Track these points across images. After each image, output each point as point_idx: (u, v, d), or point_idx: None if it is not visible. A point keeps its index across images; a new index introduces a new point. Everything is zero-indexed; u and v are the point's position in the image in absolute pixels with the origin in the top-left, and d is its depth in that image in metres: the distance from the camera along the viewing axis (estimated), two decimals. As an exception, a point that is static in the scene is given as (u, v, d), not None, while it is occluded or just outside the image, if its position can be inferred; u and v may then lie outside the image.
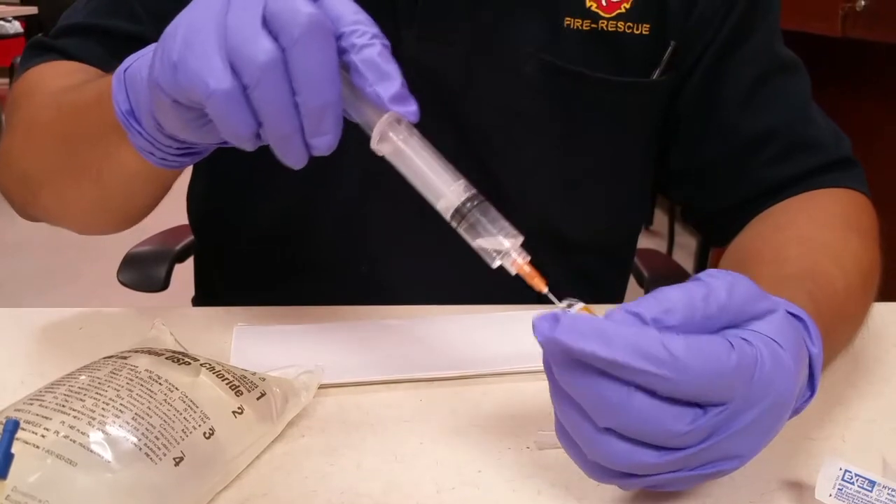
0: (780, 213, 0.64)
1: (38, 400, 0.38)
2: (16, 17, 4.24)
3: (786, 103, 0.66)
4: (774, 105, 0.65)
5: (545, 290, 0.39)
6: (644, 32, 0.63)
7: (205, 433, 0.39)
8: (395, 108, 0.40)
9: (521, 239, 0.40)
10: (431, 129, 0.63)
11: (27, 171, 0.59)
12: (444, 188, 0.41)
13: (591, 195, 0.68)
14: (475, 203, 0.40)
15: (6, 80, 4.45)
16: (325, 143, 0.40)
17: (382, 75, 0.40)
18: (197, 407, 0.40)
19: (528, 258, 0.40)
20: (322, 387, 0.49)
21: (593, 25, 0.63)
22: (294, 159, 0.41)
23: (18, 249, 2.70)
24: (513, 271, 0.40)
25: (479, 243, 0.40)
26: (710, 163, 0.68)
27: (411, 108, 0.41)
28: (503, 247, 0.40)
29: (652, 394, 0.34)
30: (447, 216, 0.41)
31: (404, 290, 0.64)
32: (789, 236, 0.60)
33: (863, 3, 1.68)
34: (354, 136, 0.64)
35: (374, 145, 0.42)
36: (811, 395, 0.40)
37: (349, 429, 0.46)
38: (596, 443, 0.35)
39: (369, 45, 0.40)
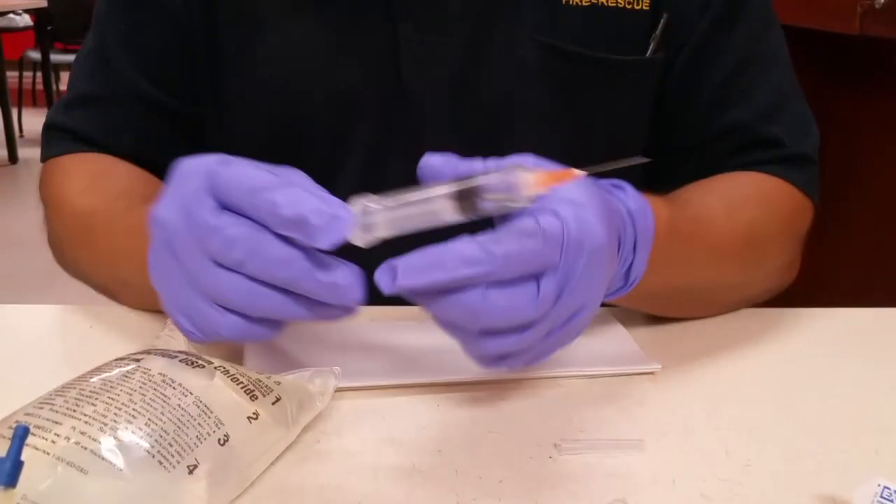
0: (706, 179, 0.65)
1: (48, 404, 0.37)
2: (25, 10, 4.24)
3: (757, 99, 0.65)
4: (743, 100, 0.65)
5: (580, 172, 0.39)
6: (644, 7, 0.62)
7: (219, 439, 0.38)
8: (322, 242, 0.38)
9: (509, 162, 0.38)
10: (435, 120, 0.63)
11: (69, 271, 0.65)
12: (440, 210, 0.39)
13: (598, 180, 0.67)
14: (468, 194, 0.38)
15: (16, 73, 4.45)
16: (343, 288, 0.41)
17: (297, 227, 0.38)
18: (211, 412, 0.39)
19: (543, 169, 0.38)
20: (337, 390, 0.47)
21: (593, 1, 0.61)
22: (341, 304, 0.42)
23: (25, 244, 2.70)
24: (539, 190, 0.38)
25: (495, 199, 0.38)
26: (675, 150, 0.67)
27: (342, 219, 0.38)
28: (512, 176, 0.37)
29: (498, 288, 0.38)
30: (458, 216, 0.39)
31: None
32: (693, 184, 0.63)
33: (882, 0, 1.66)
34: (353, 146, 0.63)
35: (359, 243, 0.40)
36: (635, 246, 0.46)
37: (366, 435, 0.45)
38: (473, 346, 0.41)
39: (269, 214, 0.39)
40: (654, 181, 0.70)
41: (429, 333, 0.55)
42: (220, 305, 0.41)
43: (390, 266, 0.38)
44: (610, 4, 0.61)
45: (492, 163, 0.41)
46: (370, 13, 0.61)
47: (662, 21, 0.62)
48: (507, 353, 0.41)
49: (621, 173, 0.67)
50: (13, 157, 3.97)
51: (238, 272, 0.40)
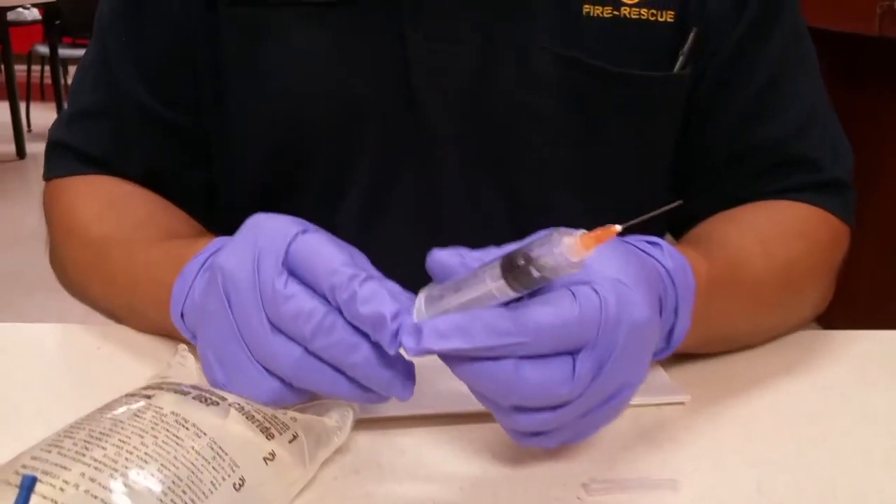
0: (738, 208, 0.63)
1: (56, 446, 0.35)
2: (34, 4, 4.23)
3: (788, 113, 0.62)
4: (777, 115, 0.62)
5: (618, 228, 0.35)
6: (668, 20, 0.59)
7: (234, 484, 0.36)
8: (392, 346, 0.38)
9: (566, 230, 0.35)
10: (444, 132, 0.61)
11: (74, 295, 0.63)
12: (485, 285, 0.37)
13: (617, 200, 0.64)
14: (513, 264, 0.36)
15: (24, 67, 4.44)
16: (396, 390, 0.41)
17: (372, 324, 0.38)
18: (226, 454, 0.37)
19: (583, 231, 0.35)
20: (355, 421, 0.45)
21: (615, 12, 0.58)
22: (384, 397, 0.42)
23: (34, 239, 2.69)
24: (583, 252, 0.34)
25: (543, 267, 0.35)
26: (702, 168, 0.65)
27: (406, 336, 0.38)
28: (559, 244, 0.34)
29: (531, 362, 0.37)
30: (508, 291, 0.37)
31: None
32: (726, 217, 0.61)
33: (901, 2, 1.63)
34: (361, 157, 0.61)
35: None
36: (676, 308, 0.45)
37: (385, 471, 0.43)
38: (506, 419, 0.40)
39: (347, 302, 0.39)
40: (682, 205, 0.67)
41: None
42: (264, 368, 0.41)
43: (416, 327, 0.37)
44: (632, 16, 0.59)
45: (510, 246, 0.39)
46: (378, 21, 0.59)
47: (692, 35, 0.59)
48: (541, 430, 0.39)
49: (643, 196, 0.65)
50: (21, 152, 3.96)
51: (296, 343, 0.40)
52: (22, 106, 4.07)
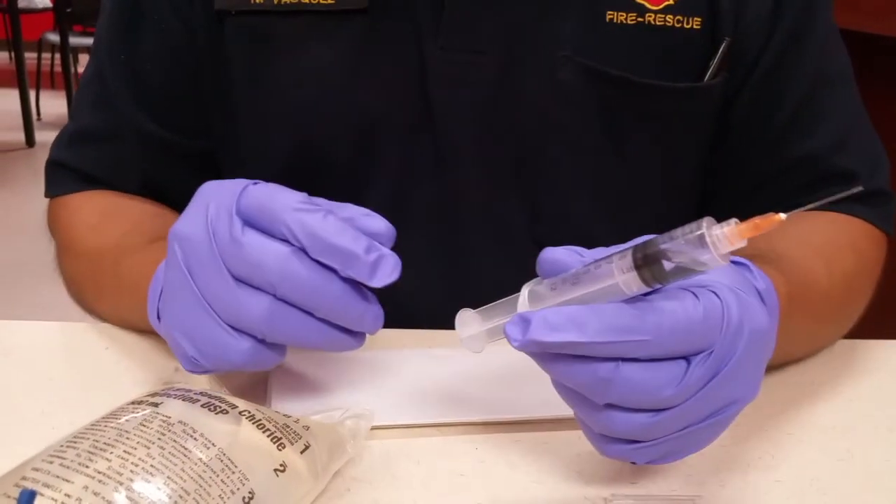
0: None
1: (58, 457, 0.34)
2: (45, -8, 4.22)
3: (826, 126, 0.60)
4: (815, 128, 0.60)
5: (782, 216, 0.33)
6: (695, 27, 0.57)
7: (244, 497, 0.35)
8: (377, 280, 0.40)
9: (703, 221, 0.33)
10: (463, 145, 0.59)
11: (79, 306, 0.63)
12: (610, 277, 0.34)
13: (639, 215, 0.62)
14: (650, 255, 0.34)
15: (34, 55, 4.43)
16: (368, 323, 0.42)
17: (343, 259, 0.39)
18: (236, 466, 0.35)
19: (734, 220, 0.33)
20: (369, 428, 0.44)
21: (639, 19, 0.56)
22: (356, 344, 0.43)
23: (42, 228, 2.69)
24: (734, 243, 0.32)
25: (683, 261, 0.33)
26: (739, 182, 0.63)
27: (388, 267, 0.40)
28: (709, 234, 0.32)
29: (636, 360, 0.34)
30: (638, 284, 0.34)
31: (434, 324, 0.59)
32: (785, 234, 0.57)
33: (923, 0, 1.60)
34: (376, 173, 0.60)
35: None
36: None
37: (399, 483, 0.42)
38: (595, 419, 0.36)
39: (312, 239, 0.39)
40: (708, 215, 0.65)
41: (466, 366, 0.52)
42: (234, 329, 0.40)
43: (523, 318, 0.34)
44: (657, 23, 0.56)
45: (637, 240, 0.36)
46: (393, 30, 0.57)
47: (724, 45, 0.57)
48: (633, 436, 0.36)
49: (667, 208, 0.63)
50: (30, 141, 3.96)
51: (264, 292, 0.39)
52: (32, 94, 4.06)
